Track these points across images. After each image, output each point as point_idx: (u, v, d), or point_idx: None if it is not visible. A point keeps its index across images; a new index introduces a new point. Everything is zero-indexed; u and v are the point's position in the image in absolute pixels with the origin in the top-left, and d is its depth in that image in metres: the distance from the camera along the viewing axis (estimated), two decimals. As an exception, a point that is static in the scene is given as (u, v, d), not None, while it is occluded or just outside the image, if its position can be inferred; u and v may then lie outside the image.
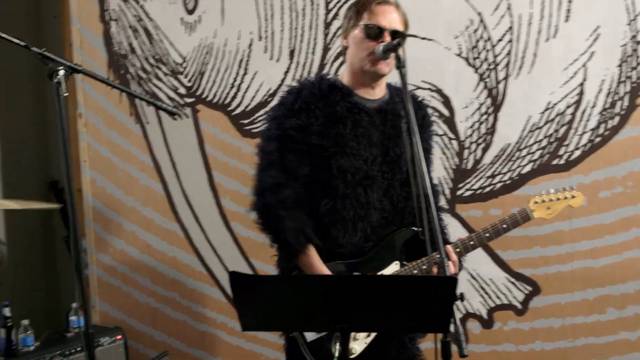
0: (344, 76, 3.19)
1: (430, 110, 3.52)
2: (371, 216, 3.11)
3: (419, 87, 4.23)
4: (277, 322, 2.82)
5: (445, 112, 4.31)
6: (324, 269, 3.08)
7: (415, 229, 3.07)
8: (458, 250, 3.14)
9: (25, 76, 5.34)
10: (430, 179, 3.23)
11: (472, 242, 3.16)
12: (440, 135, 4.30)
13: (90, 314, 4.86)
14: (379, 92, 3.15)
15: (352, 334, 3.06)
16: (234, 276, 2.50)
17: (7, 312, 4.27)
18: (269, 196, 3.09)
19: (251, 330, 3.44)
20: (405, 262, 3.14)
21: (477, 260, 4.22)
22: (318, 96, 3.10)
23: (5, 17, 4.93)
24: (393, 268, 3.13)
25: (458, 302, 2.50)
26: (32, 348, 4.34)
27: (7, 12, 5.06)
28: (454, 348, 2.60)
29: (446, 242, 3.14)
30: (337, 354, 2.80)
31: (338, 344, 2.79)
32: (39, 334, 4.46)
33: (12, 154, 5.28)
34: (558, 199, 3.29)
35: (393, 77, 3.16)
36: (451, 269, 3.01)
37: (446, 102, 4.30)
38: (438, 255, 2.84)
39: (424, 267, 3.06)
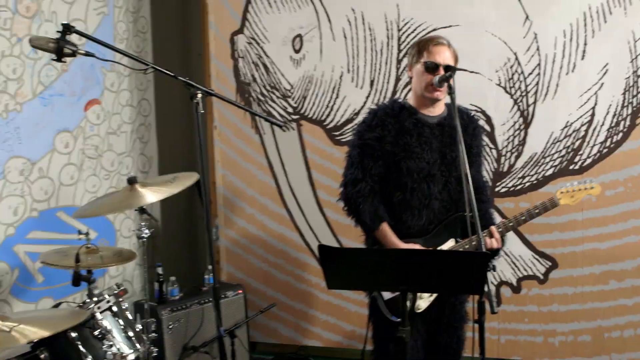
0: (411, 99, 3.39)
1: (481, 122, 3.73)
2: (433, 205, 3.29)
3: (467, 109, 4.50)
4: (353, 283, 3.09)
5: (487, 128, 4.49)
6: (396, 240, 3.27)
7: (466, 214, 2.99)
8: (501, 229, 3.29)
9: (179, 98, 5.55)
10: (482, 176, 3.53)
11: (511, 223, 3.32)
12: (483, 146, 4.54)
13: (219, 274, 5.26)
14: (438, 110, 3.33)
15: (419, 294, 3.28)
16: (322, 248, 2.77)
17: (160, 270, 4.67)
18: (350, 188, 3.34)
19: (334, 288, 3.47)
20: (459, 240, 3.32)
21: (510, 241, 4.23)
22: (391, 115, 3.32)
23: (165, 56, 5.32)
24: (450, 243, 3.32)
25: (491, 272, 2.73)
26: (177, 297, 4.73)
27: (167, 52, 5.42)
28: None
29: (492, 224, 3.32)
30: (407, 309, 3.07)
31: (408, 301, 3.03)
32: (182, 287, 4.83)
33: (167, 155, 5.58)
34: (579, 190, 3.42)
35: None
36: (494, 244, 3.21)
37: (488, 120, 4.51)
38: (484, 234, 3.14)
39: (474, 242, 3.17)
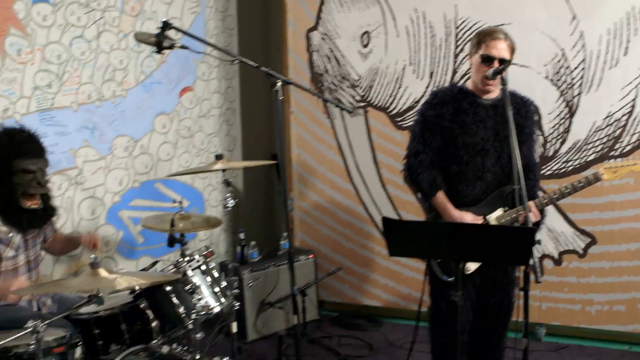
0: (470, 84, 3.32)
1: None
2: (486, 177, 3.24)
3: (521, 95, 4.38)
4: (412, 251, 3.14)
5: (535, 117, 4.24)
6: (450, 208, 3.24)
7: (515, 187, 2.96)
8: (545, 201, 3.21)
9: (260, 86, 5.61)
10: (533, 156, 3.41)
11: (556, 196, 3.23)
12: (535, 128, 4.37)
13: (293, 240, 5.40)
14: (493, 95, 3.26)
15: None
16: (385, 220, 2.82)
17: (242, 235, 4.75)
18: (412, 159, 3.32)
19: (395, 256, 3.45)
20: (507, 208, 3.25)
21: (554, 219, 4.43)
22: (450, 95, 3.28)
23: (249, 49, 5.38)
24: (499, 212, 3.26)
25: (536, 245, 2.69)
26: (256, 259, 4.80)
27: (250, 47, 5.49)
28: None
29: (533, 198, 3.23)
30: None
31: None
32: (260, 251, 4.91)
33: (250, 136, 5.69)
34: (622, 166, 3.26)
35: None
36: (531, 217, 3.05)
37: (536, 110, 4.12)
38: (529, 206, 3.05)
39: (514, 215, 3.18)
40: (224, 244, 5.47)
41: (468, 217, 3.24)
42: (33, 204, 3.24)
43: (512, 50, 3.20)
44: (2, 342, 2.44)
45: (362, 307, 5.21)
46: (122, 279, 2.50)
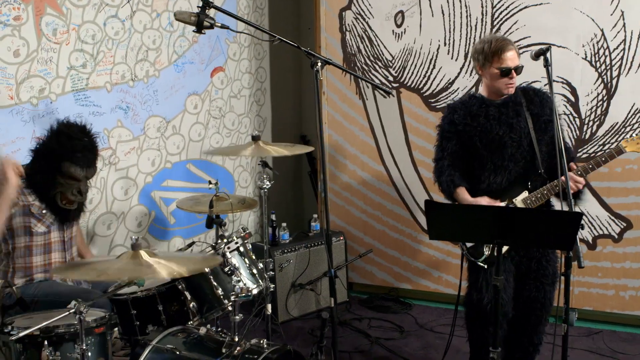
0: (482, 90, 3.45)
1: (559, 97, 3.90)
2: (507, 167, 3.34)
3: (554, 80, 4.30)
4: (453, 235, 3.10)
5: (572, 98, 4.37)
6: (469, 198, 3.37)
7: (540, 171, 3.27)
8: (579, 173, 3.25)
9: (290, 67, 5.77)
10: (564, 138, 3.35)
11: (579, 172, 3.26)
12: (567, 115, 4.38)
13: (328, 222, 5.39)
14: (499, 96, 3.38)
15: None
16: (428, 203, 2.79)
17: (273, 217, 4.75)
18: (435, 165, 3.54)
19: (435, 239, 3.42)
20: (530, 190, 3.32)
21: (588, 202, 4.22)
22: (461, 103, 3.46)
23: (279, 29, 5.23)
24: (523, 195, 3.33)
25: (580, 230, 2.65)
26: (287, 241, 4.81)
27: (281, 26, 5.45)
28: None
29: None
30: (486, 254, 3.30)
31: (485, 248, 3.31)
32: (291, 232, 4.92)
33: (280, 117, 5.68)
34: None
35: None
36: (579, 186, 3.25)
37: (573, 91, 4.36)
38: (555, 184, 3.21)
39: (545, 192, 3.26)
40: (252, 225, 5.48)
41: (483, 201, 3.35)
42: (68, 204, 3.26)
43: (517, 51, 3.35)
44: (46, 322, 2.45)
45: (392, 290, 5.20)
46: (163, 264, 2.46)
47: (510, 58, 3.27)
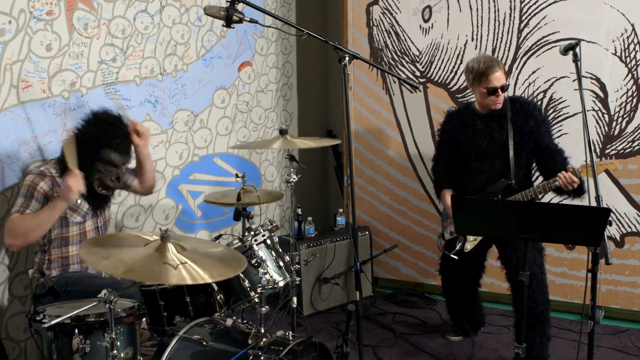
0: (476, 103, 3.84)
1: (587, 93, 4.21)
2: (485, 174, 3.78)
3: (583, 76, 4.27)
4: (480, 230, 3.14)
5: (601, 94, 4.32)
6: (444, 196, 3.93)
7: (508, 180, 3.67)
8: (531, 193, 3.59)
9: (316, 62, 5.81)
10: (548, 145, 3.68)
11: (532, 194, 3.59)
12: (596, 111, 4.34)
13: (354, 216, 5.41)
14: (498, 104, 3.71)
15: (468, 238, 3.79)
16: (454, 197, 2.85)
17: (299, 211, 4.79)
18: (432, 164, 4.13)
19: (462, 234, 3.78)
20: (500, 197, 3.64)
21: (616, 199, 4.33)
22: (457, 114, 3.95)
23: (306, 24, 5.26)
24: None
25: (608, 227, 2.65)
26: (312, 235, 4.84)
27: (308, 21, 5.48)
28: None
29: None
30: (457, 248, 3.81)
31: (459, 242, 3.79)
32: (317, 227, 4.94)
33: (306, 111, 5.72)
34: (601, 164, 3.43)
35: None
36: (574, 185, 3.46)
37: (602, 87, 4.31)
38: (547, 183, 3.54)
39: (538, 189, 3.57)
40: (277, 219, 5.50)
41: (448, 198, 3.88)
42: (105, 190, 3.32)
43: (505, 72, 3.70)
44: (76, 311, 2.50)
45: (417, 285, 5.21)
46: (189, 267, 2.41)
47: (497, 78, 3.58)
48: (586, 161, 2.99)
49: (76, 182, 3.04)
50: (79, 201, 3.26)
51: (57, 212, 3.10)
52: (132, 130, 3.46)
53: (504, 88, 3.62)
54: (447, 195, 3.89)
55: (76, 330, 2.57)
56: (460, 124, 3.86)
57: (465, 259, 3.88)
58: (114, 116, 3.32)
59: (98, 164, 3.22)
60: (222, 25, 2.80)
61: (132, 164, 3.58)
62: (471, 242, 3.81)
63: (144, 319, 3.07)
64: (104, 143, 3.21)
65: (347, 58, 2.83)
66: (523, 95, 4.54)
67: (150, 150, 4.15)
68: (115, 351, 2.49)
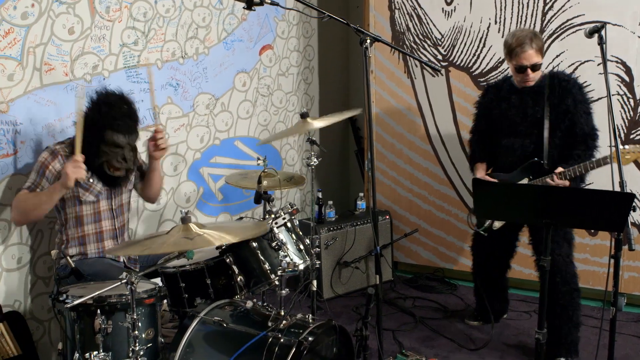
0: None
1: (613, 77, 4.15)
2: (517, 152, 3.70)
3: (608, 60, 4.08)
4: (501, 214, 3.10)
5: (626, 78, 4.27)
6: (478, 173, 3.89)
7: (540, 160, 3.58)
8: (567, 176, 3.47)
9: (337, 45, 5.80)
10: (582, 128, 3.57)
11: (570, 173, 3.47)
12: (621, 95, 4.29)
13: (374, 200, 5.41)
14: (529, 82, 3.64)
15: None
16: (476, 181, 2.85)
17: (319, 195, 4.80)
18: (471, 137, 4.08)
19: (483, 218, 3.81)
20: (532, 178, 3.62)
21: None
22: (494, 87, 3.88)
23: (328, 7, 5.08)
24: (524, 181, 3.64)
25: (632, 212, 2.61)
26: (333, 219, 4.85)
27: (327, 4, 5.41)
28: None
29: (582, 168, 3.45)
30: (485, 225, 3.84)
31: (488, 219, 3.79)
32: (337, 210, 4.96)
33: (327, 95, 5.70)
34: (634, 152, 3.34)
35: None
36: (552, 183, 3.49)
37: (628, 71, 4.26)
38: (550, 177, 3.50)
39: (547, 179, 3.52)
40: (298, 203, 5.51)
41: (479, 172, 3.91)
42: (116, 172, 3.32)
43: (541, 49, 3.55)
44: (99, 292, 2.53)
45: (437, 270, 5.21)
46: (213, 233, 2.53)
47: (526, 57, 3.50)
48: (610, 146, 2.95)
49: (73, 168, 3.04)
50: (90, 180, 3.29)
51: (55, 195, 3.13)
52: (153, 137, 3.51)
53: (534, 67, 3.53)
54: (480, 170, 3.89)
55: (98, 311, 2.61)
56: (496, 97, 3.79)
57: (497, 240, 3.88)
58: (115, 96, 3.30)
59: (103, 146, 3.23)
60: (243, 8, 2.79)
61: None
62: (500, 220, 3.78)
63: (165, 301, 3.11)
64: (106, 125, 3.21)
65: (368, 41, 2.82)
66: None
67: (171, 134, 4.19)
68: (136, 332, 2.52)
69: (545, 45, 4.45)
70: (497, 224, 3.80)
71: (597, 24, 2.99)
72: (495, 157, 3.87)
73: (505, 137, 3.75)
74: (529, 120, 3.63)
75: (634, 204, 2.57)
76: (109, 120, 3.21)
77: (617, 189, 2.88)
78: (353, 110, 3.68)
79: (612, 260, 2.81)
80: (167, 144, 3.60)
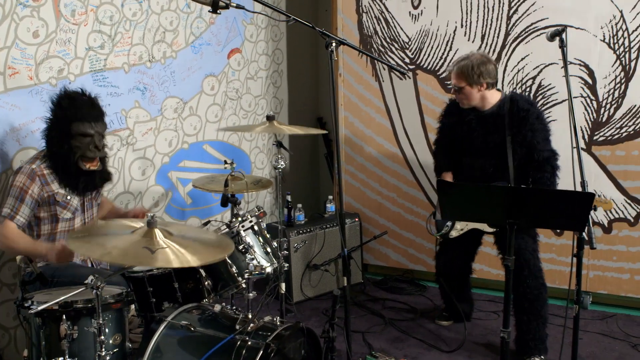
0: None
1: (576, 79, 4.19)
2: (475, 174, 3.79)
3: (571, 62, 4.26)
4: (465, 215, 3.13)
5: (589, 80, 4.34)
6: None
7: (507, 183, 3.61)
8: None
9: (306, 49, 5.78)
10: (541, 151, 3.62)
11: None
12: (584, 97, 4.35)
13: (342, 202, 5.43)
14: (487, 105, 3.72)
15: (456, 226, 3.85)
16: (440, 182, 2.89)
17: (289, 198, 4.78)
18: (435, 149, 4.12)
19: (448, 219, 3.84)
20: None
21: (604, 185, 4.37)
22: (458, 107, 3.86)
23: (296, 10, 5.31)
24: None
25: (592, 211, 2.67)
26: (302, 222, 4.83)
27: (296, 8, 5.45)
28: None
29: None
30: (442, 231, 3.89)
31: (446, 226, 3.83)
32: (307, 214, 4.94)
33: (297, 99, 5.69)
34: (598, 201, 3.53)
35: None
36: None
37: (590, 74, 4.33)
38: None
39: None
40: (268, 206, 5.51)
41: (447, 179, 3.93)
42: (92, 166, 3.29)
43: (463, 75, 3.67)
44: (64, 297, 2.51)
45: (407, 271, 5.23)
46: (176, 250, 2.43)
47: (452, 78, 3.76)
48: (572, 147, 2.96)
49: (63, 255, 3.06)
50: (68, 197, 3.27)
51: (37, 252, 3.12)
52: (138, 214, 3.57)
53: (456, 89, 3.72)
54: (447, 177, 3.96)
55: (64, 317, 2.59)
56: (458, 117, 3.85)
57: (458, 243, 3.93)
58: (74, 92, 3.29)
59: (72, 141, 3.20)
60: (209, 11, 2.79)
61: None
62: (458, 230, 3.86)
63: (132, 306, 3.09)
64: (70, 118, 3.19)
65: (333, 44, 2.83)
66: (512, 82, 4.55)
67: (139, 138, 4.17)
68: (103, 337, 2.50)
69: (510, 49, 4.56)
70: (454, 233, 3.88)
71: (558, 28, 3.03)
72: (457, 172, 3.97)
73: (466, 157, 3.85)
74: (489, 146, 3.71)
75: (594, 203, 2.61)
76: (72, 112, 3.19)
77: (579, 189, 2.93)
78: (318, 129, 3.63)
79: (575, 259, 2.85)
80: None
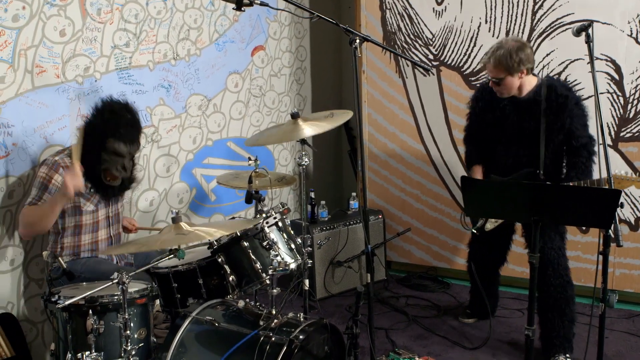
0: None
1: (602, 75, 4.12)
2: (508, 162, 3.69)
3: (597, 58, 4.21)
4: (489, 211, 3.09)
5: (616, 76, 4.28)
6: (475, 177, 3.83)
7: (535, 170, 3.51)
8: None
9: (330, 46, 5.77)
10: (577, 139, 3.52)
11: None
12: (611, 93, 4.31)
13: (365, 199, 5.43)
14: (523, 92, 3.59)
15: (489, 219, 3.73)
16: (464, 179, 2.84)
17: (312, 195, 4.80)
18: (465, 137, 4.04)
19: (472, 216, 3.77)
20: None
21: None
22: (488, 92, 3.75)
23: (320, 7, 5.19)
24: None
25: (619, 208, 2.64)
26: (326, 219, 4.86)
27: (319, 5, 5.40)
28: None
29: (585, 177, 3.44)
30: (478, 225, 3.78)
31: (481, 219, 3.74)
32: (330, 210, 4.98)
33: (320, 95, 5.70)
34: (627, 179, 3.26)
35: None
36: None
37: (617, 69, 4.27)
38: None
39: None
40: (291, 203, 5.52)
41: (476, 174, 3.89)
42: (113, 180, 3.33)
43: (502, 64, 3.50)
44: (90, 292, 2.54)
45: (430, 269, 5.22)
46: (203, 230, 2.56)
47: (489, 69, 3.59)
48: (598, 144, 2.96)
49: (72, 179, 3.02)
50: (91, 190, 3.31)
51: (57, 206, 3.12)
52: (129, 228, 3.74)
53: (495, 81, 3.57)
54: (477, 173, 3.86)
55: (90, 311, 2.62)
56: (490, 105, 3.72)
57: (493, 237, 3.83)
58: (119, 104, 3.32)
59: (103, 153, 3.24)
60: (233, 9, 2.81)
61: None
62: (492, 222, 3.76)
63: (157, 301, 3.12)
64: (108, 133, 3.22)
65: (357, 41, 2.84)
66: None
67: (164, 135, 4.21)
68: (128, 331, 2.54)
69: (536, 44, 4.51)
70: (490, 226, 3.75)
71: (584, 23, 2.99)
72: (488, 161, 3.87)
73: (498, 144, 3.74)
74: (524, 134, 3.60)
75: (620, 200, 2.58)
76: (112, 128, 3.23)
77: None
78: (336, 121, 3.52)
79: (601, 257, 2.82)
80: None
